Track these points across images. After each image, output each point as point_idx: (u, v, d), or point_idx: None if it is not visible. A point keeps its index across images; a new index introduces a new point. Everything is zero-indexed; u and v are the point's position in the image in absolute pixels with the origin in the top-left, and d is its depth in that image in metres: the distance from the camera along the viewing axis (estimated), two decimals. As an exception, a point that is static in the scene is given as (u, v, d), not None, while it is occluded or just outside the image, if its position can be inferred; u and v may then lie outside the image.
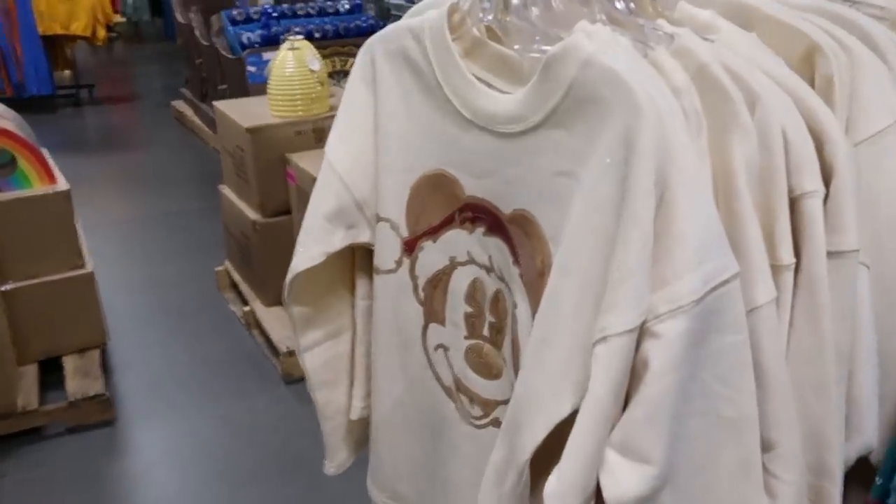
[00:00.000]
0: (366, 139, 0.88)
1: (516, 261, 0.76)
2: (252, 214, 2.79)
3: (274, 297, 2.82)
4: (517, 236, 0.76)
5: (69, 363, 2.56)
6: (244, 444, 2.33)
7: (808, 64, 0.77)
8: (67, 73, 6.40)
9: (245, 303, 2.95)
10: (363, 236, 0.91)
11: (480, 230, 0.80)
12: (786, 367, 0.71)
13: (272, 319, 2.78)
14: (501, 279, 0.80)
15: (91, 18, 5.97)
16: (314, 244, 0.90)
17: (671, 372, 0.66)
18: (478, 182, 0.78)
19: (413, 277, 0.88)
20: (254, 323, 2.86)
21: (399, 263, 0.88)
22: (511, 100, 0.73)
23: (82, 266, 2.59)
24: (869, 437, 0.79)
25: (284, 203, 2.74)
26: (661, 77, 0.68)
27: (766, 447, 0.71)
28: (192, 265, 3.41)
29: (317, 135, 2.75)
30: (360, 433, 1.05)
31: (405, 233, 0.87)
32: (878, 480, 0.85)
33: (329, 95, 2.86)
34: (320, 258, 0.90)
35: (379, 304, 0.92)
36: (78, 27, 5.95)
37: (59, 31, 5.90)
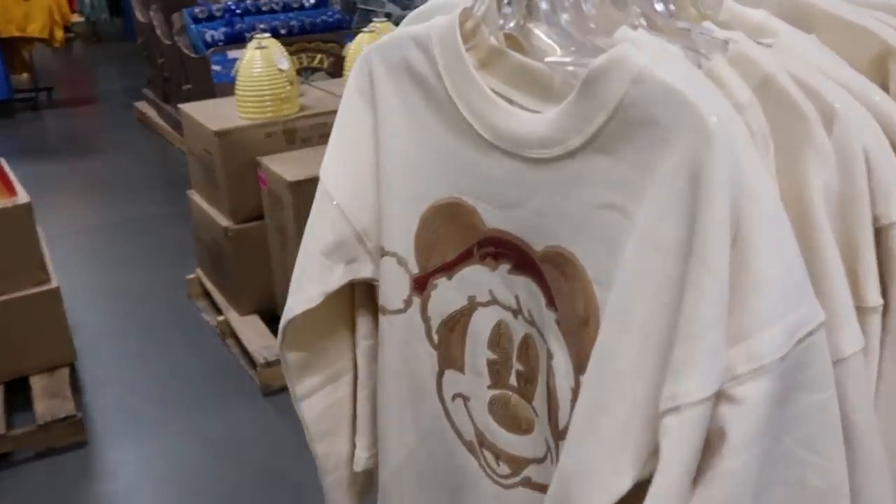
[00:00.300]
0: (366, 162, 0.78)
1: (551, 304, 0.66)
2: (223, 221, 2.68)
3: (249, 306, 2.72)
4: (552, 276, 0.66)
5: (37, 383, 2.44)
6: (224, 462, 2.23)
7: (879, 70, 0.67)
8: (25, 76, 6.21)
9: (219, 312, 2.83)
10: (364, 271, 0.81)
11: (505, 267, 0.70)
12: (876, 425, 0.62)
13: (248, 329, 2.67)
14: (532, 323, 0.70)
15: (48, 19, 5.76)
16: (311, 284, 0.80)
17: (754, 444, 0.56)
18: (501, 213, 0.68)
19: (425, 318, 0.77)
20: (229, 333, 2.75)
21: (408, 303, 0.78)
22: (542, 120, 0.63)
23: (47, 281, 2.46)
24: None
25: (257, 208, 2.63)
26: (721, 92, 0.58)
27: None
28: (161, 274, 3.28)
29: (287, 136, 2.64)
30: (364, 482, 0.95)
31: (415, 269, 0.76)
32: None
33: (299, 95, 2.75)
34: (319, 299, 0.80)
35: (386, 347, 0.81)
36: (35, 29, 5.74)
37: (15, 33, 5.69)
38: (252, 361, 2.55)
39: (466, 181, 0.70)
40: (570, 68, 0.62)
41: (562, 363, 0.66)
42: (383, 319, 0.80)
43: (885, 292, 0.63)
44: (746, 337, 0.55)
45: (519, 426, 0.74)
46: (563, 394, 0.67)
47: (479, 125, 0.67)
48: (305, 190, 2.33)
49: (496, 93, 0.67)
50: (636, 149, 0.57)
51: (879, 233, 0.62)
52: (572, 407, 0.66)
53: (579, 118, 0.60)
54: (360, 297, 0.85)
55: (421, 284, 0.77)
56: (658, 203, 0.56)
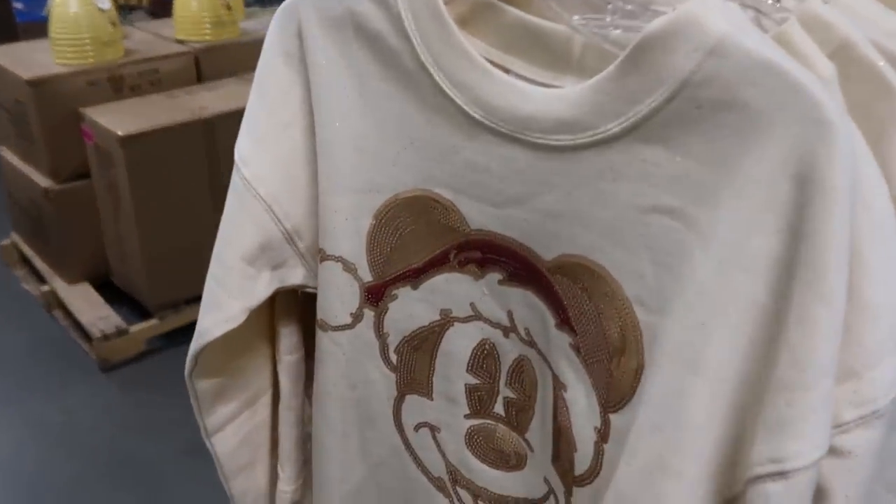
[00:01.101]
0: (296, 145, 0.62)
1: (564, 324, 0.54)
2: (42, 180, 2.38)
3: (78, 273, 2.46)
4: (569, 292, 0.53)
5: None
6: (62, 449, 1.98)
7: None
8: None
9: (42, 281, 2.55)
10: (294, 277, 0.66)
11: (495, 277, 0.57)
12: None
13: (78, 299, 2.41)
14: (531, 344, 0.57)
15: None
16: (231, 299, 0.64)
17: (858, 500, 0.46)
18: (494, 212, 0.54)
19: (381, 335, 0.63)
20: (55, 303, 2.48)
21: (358, 316, 0.63)
22: (560, 97, 0.49)
23: None
24: None
25: (81, 165, 2.35)
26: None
27: None
28: (-31, 240, 2.93)
29: (113, 84, 2.37)
30: None
31: (367, 276, 0.62)
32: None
33: (122, 37, 2.47)
34: (242, 317, 0.64)
35: (326, 367, 0.66)
36: None
37: None
38: (86, 335, 2.30)
39: (443, 170, 0.56)
40: (616, 32, 0.48)
41: (580, 397, 0.54)
42: (323, 337, 0.65)
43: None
44: (854, 375, 0.45)
45: (506, 461, 0.62)
46: (583, 433, 0.54)
47: (465, 99, 0.53)
48: (139, 145, 2.11)
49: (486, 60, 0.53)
50: (708, 139, 0.45)
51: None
52: (598, 452, 0.54)
53: (622, 97, 0.47)
54: (281, 305, 0.70)
55: (375, 295, 0.62)
56: (745, 211, 0.44)
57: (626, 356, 0.50)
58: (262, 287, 0.64)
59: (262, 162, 0.62)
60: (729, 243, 0.45)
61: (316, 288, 0.65)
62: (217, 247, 0.64)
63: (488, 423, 0.61)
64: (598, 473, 0.54)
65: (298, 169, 0.62)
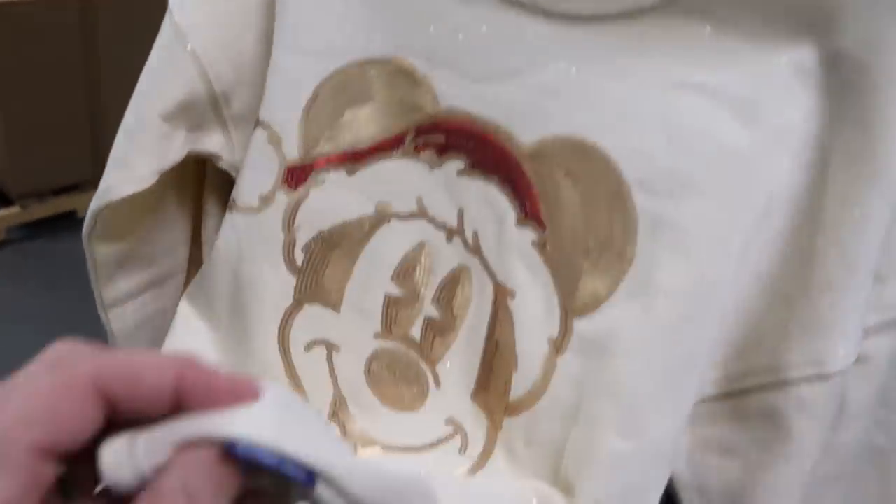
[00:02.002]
0: None
1: (530, 218, 0.47)
2: None
3: None
4: (546, 179, 0.46)
5: None
6: None
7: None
8: None
9: None
10: (210, 143, 0.57)
11: (455, 166, 0.50)
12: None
13: None
14: (475, 251, 0.50)
15: None
16: (142, 157, 0.54)
17: (868, 411, 0.42)
18: (475, 88, 0.48)
19: (289, 228, 0.54)
20: None
21: (267, 200, 0.54)
22: None
23: None
24: None
25: None
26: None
27: None
28: None
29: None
30: None
31: (294, 152, 0.53)
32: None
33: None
34: (151, 178, 0.54)
35: (219, 256, 0.56)
36: None
37: None
38: None
39: (421, 37, 0.49)
40: None
41: (535, 302, 0.47)
42: (228, 217, 0.55)
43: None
44: (880, 280, 0.41)
45: (399, 399, 0.53)
46: (530, 348, 0.47)
47: None
48: (3, 17, 1.86)
49: None
50: (760, 14, 0.41)
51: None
52: (548, 367, 0.46)
53: None
54: (212, 182, 0.61)
55: (297, 176, 0.53)
56: (795, 92, 0.40)
57: (612, 248, 0.44)
58: (175, 148, 0.55)
59: (200, 11, 0.53)
60: (778, 125, 0.41)
61: (232, 165, 0.57)
62: (134, 99, 0.54)
63: (398, 347, 0.53)
64: (544, 393, 0.47)
65: (243, 28, 0.54)
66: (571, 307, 0.46)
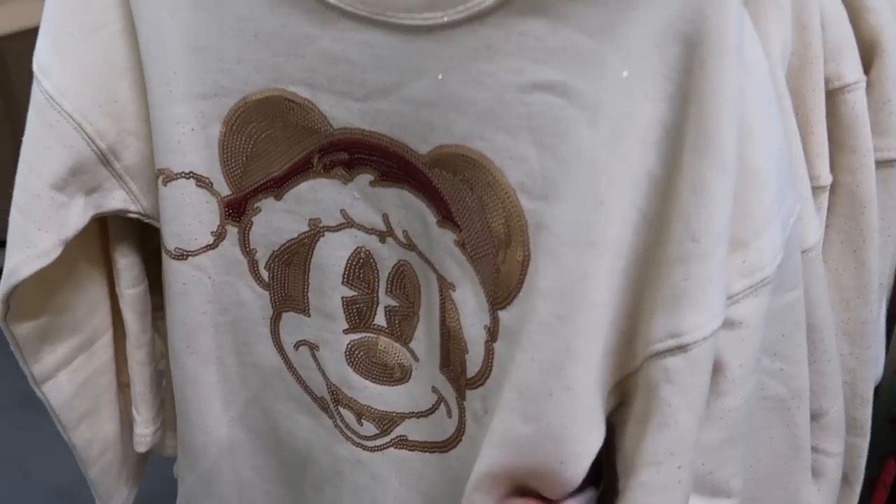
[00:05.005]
0: (109, 49, 0.55)
1: (447, 220, 0.51)
2: None
3: None
4: (449, 186, 0.50)
5: None
6: None
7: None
8: None
9: None
10: (111, 201, 0.59)
11: (366, 178, 0.53)
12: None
13: None
14: (410, 247, 0.54)
15: None
16: (42, 231, 0.56)
17: (753, 373, 0.46)
18: (359, 107, 0.50)
19: (247, 251, 0.59)
20: None
21: (220, 234, 0.58)
22: None
23: None
24: (880, 367, 0.65)
25: None
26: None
27: (812, 417, 0.55)
28: None
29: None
30: (139, 459, 0.75)
31: (225, 189, 0.57)
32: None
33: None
34: (56, 251, 0.57)
35: (191, 299, 0.61)
36: None
37: None
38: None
39: (295, 65, 0.51)
40: None
41: (468, 296, 0.51)
42: (181, 265, 0.59)
43: (832, 165, 0.54)
44: (742, 245, 0.44)
45: (390, 375, 0.59)
46: (473, 333, 0.52)
47: None
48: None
49: None
50: (591, 5, 0.42)
51: (829, 97, 0.52)
52: (488, 351, 0.51)
53: None
54: (116, 233, 0.63)
55: (237, 209, 0.57)
56: (633, 79, 0.42)
57: (512, 248, 0.48)
58: (75, 215, 0.57)
59: (67, 72, 0.54)
60: (620, 114, 0.42)
61: (142, 213, 0.60)
62: (20, 174, 0.56)
63: (369, 337, 0.58)
64: (489, 374, 0.52)
65: (115, 78, 0.55)
66: (493, 299, 0.50)
